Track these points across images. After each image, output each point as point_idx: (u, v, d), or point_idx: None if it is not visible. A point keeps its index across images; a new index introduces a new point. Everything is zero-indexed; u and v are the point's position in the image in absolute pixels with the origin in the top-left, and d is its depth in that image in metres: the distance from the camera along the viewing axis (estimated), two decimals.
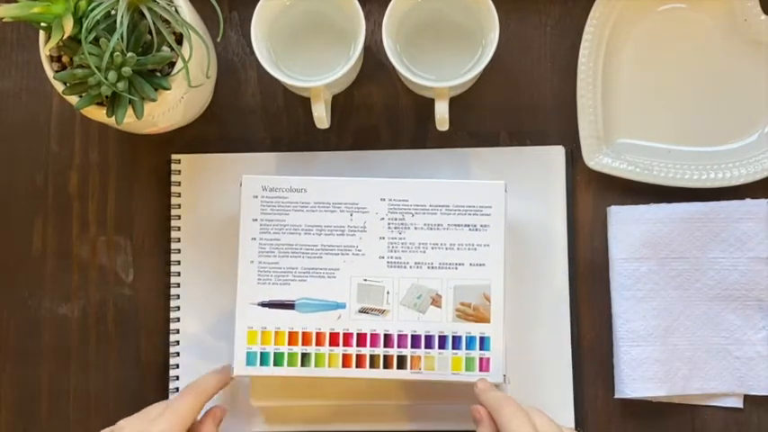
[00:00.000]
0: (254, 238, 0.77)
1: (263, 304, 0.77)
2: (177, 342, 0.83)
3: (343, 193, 0.78)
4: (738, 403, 0.81)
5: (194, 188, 0.84)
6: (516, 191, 0.81)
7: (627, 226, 0.81)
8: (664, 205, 0.81)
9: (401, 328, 0.77)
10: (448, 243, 0.77)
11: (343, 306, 0.77)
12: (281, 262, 0.77)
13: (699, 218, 0.81)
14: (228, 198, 0.82)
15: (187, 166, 0.84)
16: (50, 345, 0.84)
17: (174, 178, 0.84)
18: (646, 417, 0.82)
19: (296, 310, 0.77)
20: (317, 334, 0.77)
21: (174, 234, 0.84)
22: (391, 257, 0.77)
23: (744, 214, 0.81)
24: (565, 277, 0.82)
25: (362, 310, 0.77)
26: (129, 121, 0.72)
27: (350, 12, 0.77)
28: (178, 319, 0.83)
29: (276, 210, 0.78)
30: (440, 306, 0.77)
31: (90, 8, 0.69)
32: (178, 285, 0.83)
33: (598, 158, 0.82)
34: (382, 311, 0.77)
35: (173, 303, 0.83)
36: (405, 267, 0.77)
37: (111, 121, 0.71)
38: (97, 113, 0.73)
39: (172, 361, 0.83)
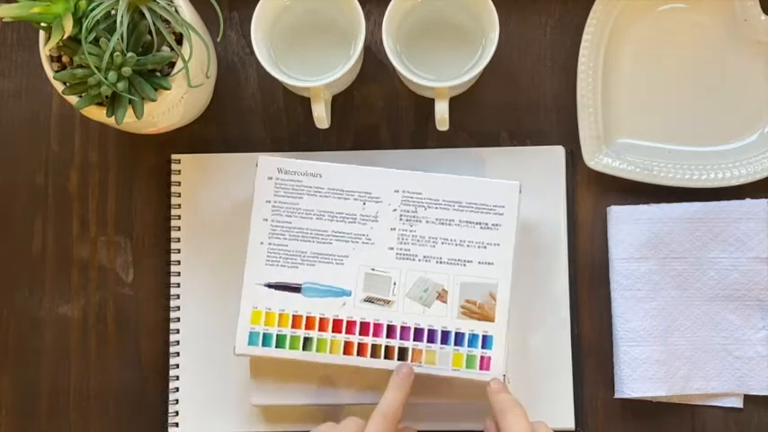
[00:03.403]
0: (266, 219, 0.77)
1: (270, 285, 0.77)
2: (177, 342, 0.83)
3: (358, 181, 0.78)
4: (738, 403, 0.81)
5: (194, 188, 0.84)
6: None
7: (627, 226, 0.81)
8: (664, 205, 0.81)
9: (405, 321, 0.77)
10: (458, 239, 0.77)
11: (348, 293, 0.77)
12: (291, 245, 0.77)
13: (699, 218, 0.81)
14: (228, 198, 0.82)
15: (187, 166, 0.84)
16: (50, 345, 0.84)
17: (174, 178, 0.84)
18: (646, 417, 0.82)
19: (302, 293, 0.77)
20: (321, 319, 0.77)
21: (174, 234, 0.84)
22: (400, 249, 0.77)
23: (744, 214, 0.81)
24: (565, 277, 0.82)
25: (368, 300, 0.77)
26: (129, 121, 0.72)
27: (350, 12, 0.77)
28: (178, 319, 0.83)
29: (290, 193, 0.78)
30: (445, 301, 0.77)
31: (90, 8, 0.69)
32: (178, 285, 0.83)
33: (598, 158, 0.82)
34: (387, 302, 0.77)
35: (173, 303, 0.83)
36: (413, 260, 0.77)
37: (111, 121, 0.71)
38: (97, 113, 0.73)
39: (172, 361, 0.83)
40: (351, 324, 0.77)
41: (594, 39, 0.82)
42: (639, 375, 0.80)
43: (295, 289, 0.77)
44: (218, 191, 0.83)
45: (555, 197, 0.83)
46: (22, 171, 0.85)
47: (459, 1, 0.79)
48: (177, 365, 0.82)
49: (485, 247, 0.77)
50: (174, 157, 0.84)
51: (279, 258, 0.77)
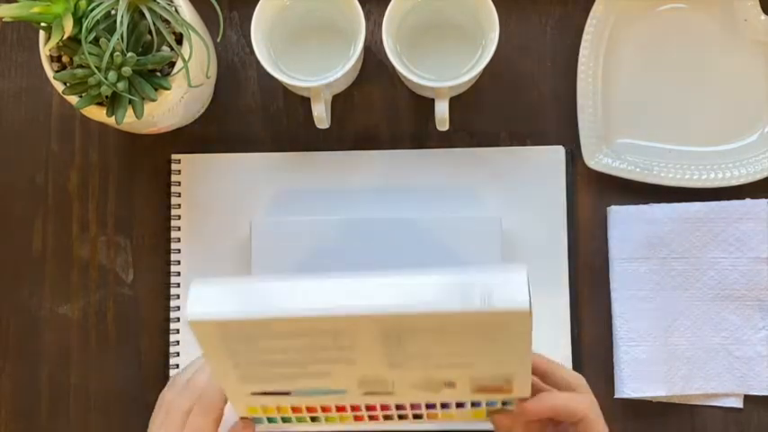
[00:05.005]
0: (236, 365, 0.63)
1: (255, 393, 0.65)
2: (177, 342, 0.83)
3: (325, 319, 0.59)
4: (738, 403, 0.81)
5: (194, 188, 0.84)
6: (516, 191, 0.81)
7: (627, 226, 0.81)
8: (664, 205, 0.81)
9: (414, 401, 0.66)
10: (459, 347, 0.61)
11: (343, 392, 0.65)
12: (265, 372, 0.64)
13: (699, 218, 0.81)
14: (228, 198, 0.82)
15: (187, 166, 0.84)
16: (50, 345, 0.84)
17: (173, 178, 0.84)
18: (646, 417, 0.82)
19: (292, 396, 0.66)
20: (323, 407, 0.67)
21: (174, 234, 0.84)
22: (392, 361, 0.61)
23: (744, 214, 0.81)
24: (565, 277, 0.82)
25: (367, 393, 0.65)
26: (129, 121, 0.72)
27: (350, 12, 0.77)
28: (178, 319, 0.83)
29: (245, 339, 0.61)
30: (455, 387, 0.64)
31: (90, 8, 0.69)
32: (178, 285, 0.83)
33: (598, 158, 0.82)
34: (389, 393, 0.65)
35: (173, 303, 0.83)
36: (410, 369, 0.62)
37: (111, 121, 0.71)
38: (97, 113, 0.73)
39: (172, 361, 0.83)
40: (355, 407, 0.67)
41: (594, 39, 0.82)
42: (639, 375, 0.80)
43: (284, 393, 0.65)
44: (218, 191, 0.83)
45: (555, 197, 0.83)
46: (22, 171, 0.85)
47: (459, 1, 0.79)
48: (177, 365, 0.82)
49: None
50: (174, 157, 0.84)
51: (258, 375, 0.63)
